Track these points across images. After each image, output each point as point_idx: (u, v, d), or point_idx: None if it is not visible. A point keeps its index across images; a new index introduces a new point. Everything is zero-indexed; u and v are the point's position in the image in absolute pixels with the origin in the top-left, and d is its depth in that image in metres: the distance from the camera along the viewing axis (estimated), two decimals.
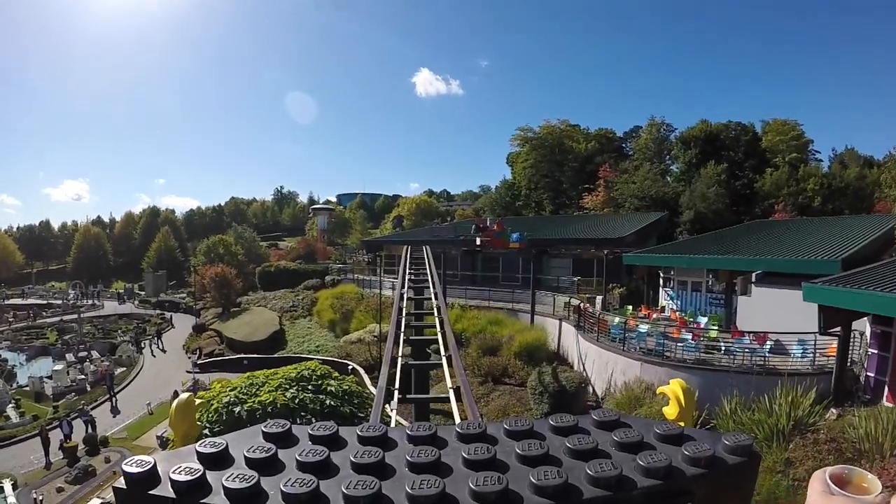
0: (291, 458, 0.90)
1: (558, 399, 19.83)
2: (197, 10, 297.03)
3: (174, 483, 0.81)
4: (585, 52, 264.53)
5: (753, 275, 23.06)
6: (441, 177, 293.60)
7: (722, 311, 25.46)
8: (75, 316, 49.24)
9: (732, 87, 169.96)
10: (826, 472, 0.83)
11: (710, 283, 26.52)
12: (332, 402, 14.29)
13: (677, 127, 61.52)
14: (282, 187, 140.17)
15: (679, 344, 20.28)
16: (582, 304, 27.10)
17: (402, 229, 63.47)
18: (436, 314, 15.54)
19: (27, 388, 31.79)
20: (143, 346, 42.86)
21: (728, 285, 25.35)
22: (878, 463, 11.89)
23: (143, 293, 72.14)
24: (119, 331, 48.95)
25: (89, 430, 24.33)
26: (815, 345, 17.47)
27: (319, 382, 14.87)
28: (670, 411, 1.40)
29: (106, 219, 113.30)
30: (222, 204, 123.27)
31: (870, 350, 16.76)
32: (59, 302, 64.52)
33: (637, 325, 22.42)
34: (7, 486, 19.33)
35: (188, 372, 33.45)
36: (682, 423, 1.14)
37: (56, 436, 23.36)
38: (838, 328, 16.20)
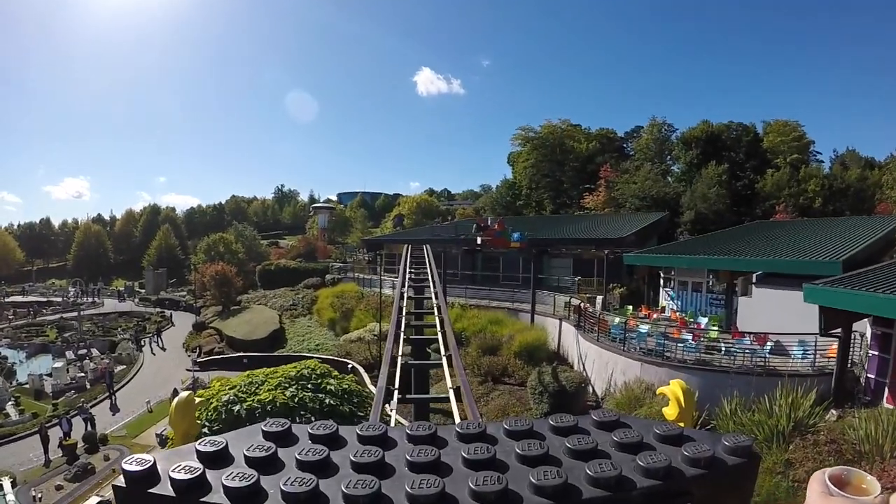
0: (291, 457, 0.90)
1: (558, 399, 19.82)
2: (197, 9, 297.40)
3: (174, 482, 0.81)
4: (586, 52, 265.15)
5: (754, 275, 23.06)
6: (442, 176, 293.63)
7: (722, 312, 25.46)
8: (75, 314, 49.30)
9: (733, 87, 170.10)
10: (825, 473, 0.83)
11: (710, 283, 26.51)
12: (332, 401, 14.31)
13: (678, 127, 61.59)
14: (282, 186, 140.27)
15: (679, 344, 20.26)
16: (582, 304, 27.09)
17: (403, 228, 63.48)
18: (436, 313, 15.52)
19: (27, 386, 31.81)
20: (142, 344, 42.86)
21: (728, 286, 25.35)
22: (879, 465, 11.89)
23: (143, 291, 72.20)
24: (119, 329, 48.99)
25: (89, 427, 24.34)
26: (815, 346, 17.47)
27: (319, 381, 14.89)
28: (670, 412, 1.40)
29: (106, 216, 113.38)
30: (223, 202, 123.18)
31: (870, 352, 16.76)
32: (60, 299, 64.63)
33: (637, 326, 22.41)
34: (6, 483, 19.34)
35: (188, 370, 33.47)
36: (681, 424, 1.14)
37: (55, 433, 23.36)
38: (839, 329, 16.19)
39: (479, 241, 29.95)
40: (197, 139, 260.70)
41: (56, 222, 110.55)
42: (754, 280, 23.06)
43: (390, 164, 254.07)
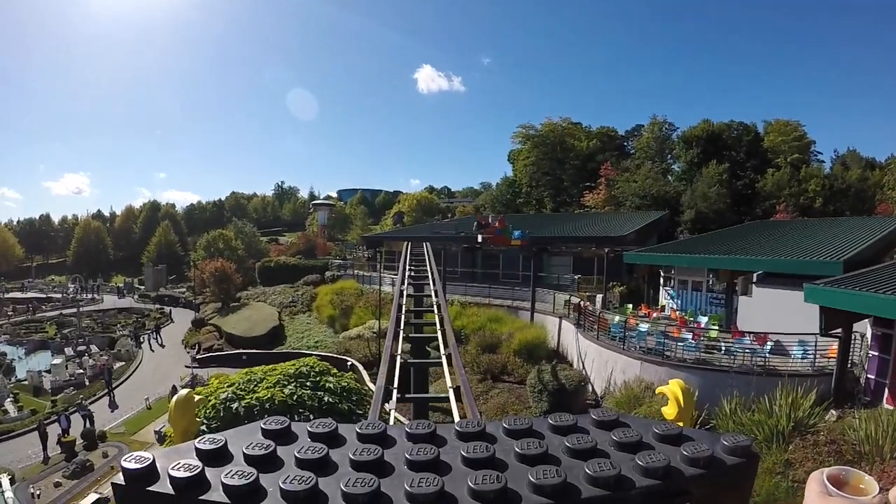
0: (290, 455, 0.90)
1: (557, 397, 19.82)
2: (198, 6, 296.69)
3: (173, 479, 0.81)
4: (587, 51, 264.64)
5: (754, 275, 23.04)
6: (442, 173, 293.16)
7: (722, 311, 25.46)
8: (74, 310, 49.38)
9: (733, 87, 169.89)
10: (823, 473, 0.84)
11: (710, 282, 26.51)
12: (331, 399, 14.28)
13: (679, 126, 61.69)
14: (282, 182, 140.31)
15: (679, 343, 20.25)
16: (582, 303, 27.05)
17: (403, 225, 63.45)
18: (436, 311, 15.51)
19: (26, 382, 31.82)
20: (141, 340, 42.88)
21: (729, 285, 25.35)
22: (878, 465, 11.90)
23: (142, 287, 72.23)
24: (118, 325, 49.01)
25: (87, 424, 24.33)
26: (815, 346, 17.46)
27: (318, 379, 14.87)
28: (669, 411, 1.40)
29: (106, 213, 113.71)
30: (223, 198, 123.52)
31: (870, 352, 16.76)
32: (59, 296, 64.71)
33: (637, 324, 22.42)
34: (5, 480, 19.36)
35: (187, 367, 33.52)
36: (680, 424, 1.14)
37: (54, 430, 23.36)
38: (839, 330, 16.19)
39: (479, 238, 29.92)
40: (197, 136, 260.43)
41: (56, 218, 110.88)
42: (755, 279, 23.04)
43: (391, 162, 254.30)
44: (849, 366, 17.00)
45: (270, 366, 15.57)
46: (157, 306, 58.38)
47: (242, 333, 40.19)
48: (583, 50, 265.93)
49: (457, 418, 8.05)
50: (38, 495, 18.99)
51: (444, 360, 11.40)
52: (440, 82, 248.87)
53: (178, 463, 0.84)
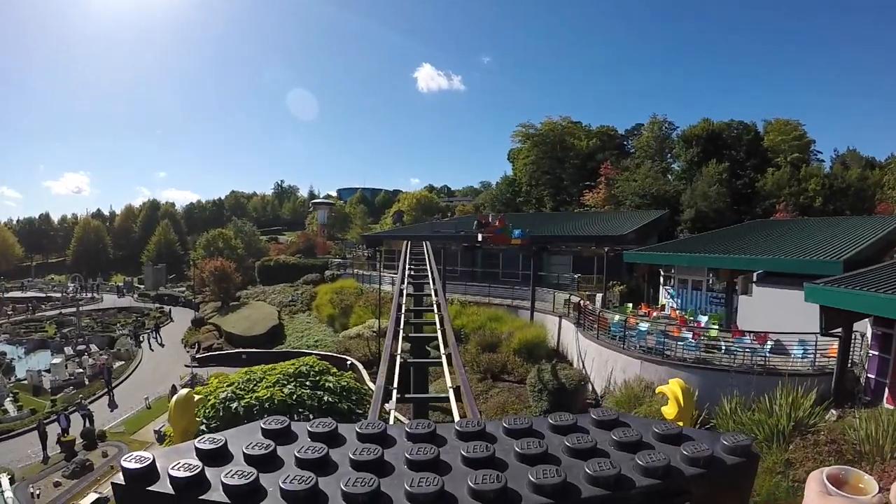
0: (290, 455, 0.90)
1: (557, 397, 19.82)
2: (198, 6, 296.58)
3: (173, 479, 0.81)
4: (587, 50, 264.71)
5: (755, 274, 23.04)
6: (442, 172, 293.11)
7: (722, 311, 25.47)
8: (74, 309, 49.41)
9: (733, 86, 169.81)
10: (823, 473, 0.84)
11: (710, 281, 26.50)
12: (330, 399, 14.27)
13: (679, 125, 61.68)
14: (282, 181, 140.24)
15: (679, 343, 20.26)
16: (582, 302, 27.05)
17: (403, 224, 63.50)
18: (435, 311, 15.50)
19: (25, 382, 31.83)
20: (141, 339, 42.89)
21: (729, 284, 25.35)
22: (879, 465, 11.90)
23: (142, 287, 72.22)
24: (118, 324, 48.99)
25: (87, 424, 24.33)
26: (815, 345, 17.46)
27: (317, 378, 14.85)
28: (669, 411, 1.40)
29: (106, 212, 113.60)
30: (222, 197, 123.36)
31: (870, 352, 16.77)
32: (59, 295, 64.71)
33: (637, 324, 22.43)
34: (4, 480, 19.35)
35: (186, 366, 33.50)
36: (680, 423, 1.15)
37: (54, 430, 23.35)
38: (839, 329, 16.20)
39: (480, 237, 29.93)
40: (197, 135, 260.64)
41: (55, 218, 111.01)
42: (755, 279, 23.04)
43: (390, 161, 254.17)
44: (849, 365, 17.01)
45: (270, 365, 15.55)
46: (157, 305, 58.38)
47: (242, 332, 40.19)
48: (583, 49, 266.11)
49: (457, 418, 8.05)
50: (38, 495, 18.99)
51: (443, 359, 11.41)
52: (440, 81, 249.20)
53: (178, 463, 0.83)
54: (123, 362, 36.09)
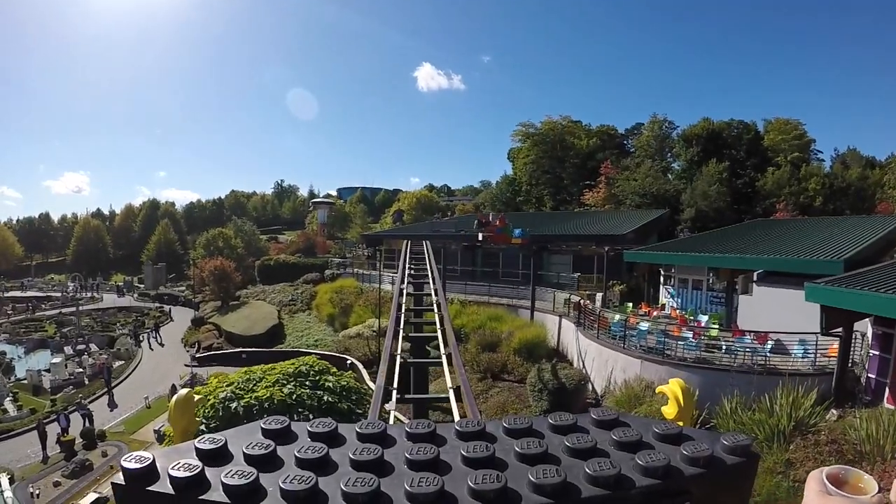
0: (290, 455, 0.90)
1: (558, 396, 19.79)
2: (198, 6, 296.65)
3: (173, 479, 0.81)
4: (587, 50, 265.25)
5: (755, 274, 23.01)
6: (442, 172, 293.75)
7: (723, 310, 25.46)
8: (74, 308, 49.42)
9: (733, 86, 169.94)
10: (823, 472, 0.84)
11: (710, 281, 26.48)
12: (330, 399, 14.27)
13: (679, 124, 61.63)
14: (282, 181, 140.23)
15: (679, 342, 20.24)
16: (582, 301, 27.02)
17: (403, 223, 63.44)
18: (435, 310, 15.47)
19: (25, 382, 31.83)
20: (141, 339, 42.89)
21: (729, 284, 25.33)
22: (879, 465, 11.89)
23: (142, 286, 72.22)
24: (118, 324, 49.00)
25: (87, 423, 24.34)
26: (816, 345, 17.44)
27: (317, 378, 14.85)
28: (669, 411, 1.40)
29: (106, 211, 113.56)
30: (222, 197, 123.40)
31: (871, 351, 16.75)
32: (58, 294, 64.69)
33: (637, 323, 22.40)
34: (4, 480, 19.36)
35: (186, 365, 33.51)
36: (680, 423, 1.15)
37: (53, 429, 23.37)
38: (840, 329, 16.18)
39: (480, 237, 29.93)
40: (197, 135, 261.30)
41: (55, 217, 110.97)
42: (755, 278, 23.01)
43: (390, 160, 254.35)
44: (849, 365, 17.00)
45: (269, 365, 15.55)
46: (157, 305, 58.40)
47: (242, 332, 40.19)
48: (583, 49, 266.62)
49: (457, 418, 8.04)
50: (38, 495, 19.00)
51: (444, 359, 11.39)
52: (440, 80, 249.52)
53: (177, 463, 0.84)
54: (123, 362, 36.10)
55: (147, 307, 57.52)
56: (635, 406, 17.65)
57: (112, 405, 28.68)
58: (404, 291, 17.45)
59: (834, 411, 14.98)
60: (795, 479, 12.43)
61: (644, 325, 21.94)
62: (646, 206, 46.94)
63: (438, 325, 13.80)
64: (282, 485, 0.80)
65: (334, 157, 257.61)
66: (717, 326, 22.72)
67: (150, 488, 0.82)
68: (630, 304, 28.36)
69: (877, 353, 16.43)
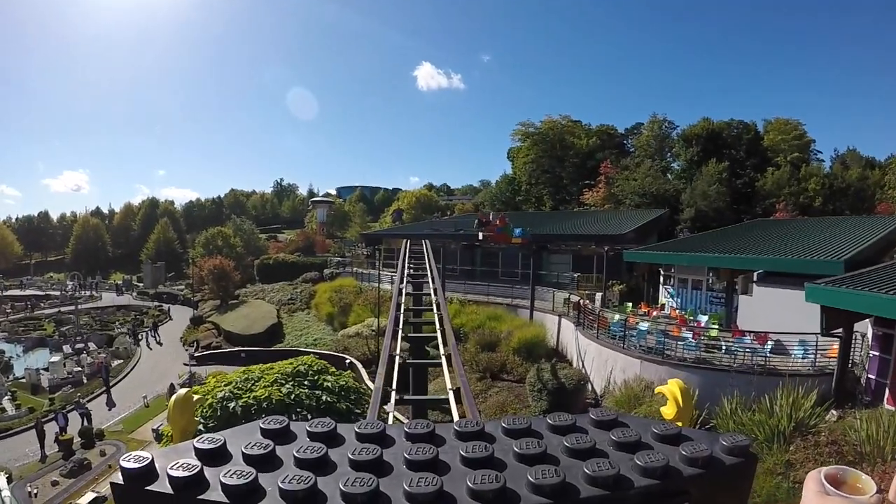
0: (289, 455, 0.90)
1: (557, 396, 19.76)
2: (198, 6, 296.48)
3: (171, 479, 0.81)
4: (587, 50, 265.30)
5: (755, 274, 23.00)
6: (441, 171, 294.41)
7: (722, 310, 25.46)
8: (73, 307, 49.38)
9: (733, 86, 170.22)
10: (821, 473, 0.84)
11: (710, 281, 26.49)
12: (329, 398, 14.21)
13: (679, 124, 61.66)
14: (281, 180, 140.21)
15: (679, 342, 20.22)
16: (581, 301, 27.01)
17: (402, 222, 63.48)
18: (435, 310, 15.44)
19: (23, 380, 31.86)
20: (140, 338, 42.88)
21: (729, 284, 25.34)
22: (880, 466, 11.88)
23: (141, 285, 72.21)
24: (116, 322, 49.01)
25: (85, 422, 24.32)
26: (816, 346, 17.44)
27: (316, 378, 14.80)
28: (668, 411, 1.40)
29: (105, 210, 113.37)
30: (222, 196, 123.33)
31: (871, 352, 16.75)
32: (57, 293, 64.62)
33: (637, 323, 22.40)
34: (2, 479, 19.36)
35: (185, 364, 33.48)
36: (679, 423, 1.14)
37: (52, 428, 23.35)
38: (840, 329, 16.18)
39: (480, 236, 29.94)
40: (197, 134, 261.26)
41: (54, 216, 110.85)
42: (755, 278, 23.01)
43: (390, 159, 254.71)
44: (849, 366, 17.00)
45: (268, 364, 15.50)
46: (156, 304, 58.32)
47: (241, 331, 40.18)
48: (583, 48, 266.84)
49: (456, 418, 8.03)
50: (36, 494, 18.97)
51: (443, 359, 11.37)
52: (440, 80, 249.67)
53: (176, 462, 0.83)
54: (122, 361, 36.09)
55: (146, 306, 57.49)
56: (635, 406, 17.66)
57: (110, 404, 28.67)
58: (403, 291, 17.42)
59: (834, 412, 14.98)
60: (795, 480, 12.42)
61: (644, 325, 21.93)
62: (645, 206, 46.96)
63: (438, 325, 13.77)
64: (281, 485, 0.80)
65: (334, 157, 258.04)
66: (716, 327, 22.70)
67: (148, 488, 0.82)
68: (630, 304, 28.37)
69: (877, 353, 16.43)
